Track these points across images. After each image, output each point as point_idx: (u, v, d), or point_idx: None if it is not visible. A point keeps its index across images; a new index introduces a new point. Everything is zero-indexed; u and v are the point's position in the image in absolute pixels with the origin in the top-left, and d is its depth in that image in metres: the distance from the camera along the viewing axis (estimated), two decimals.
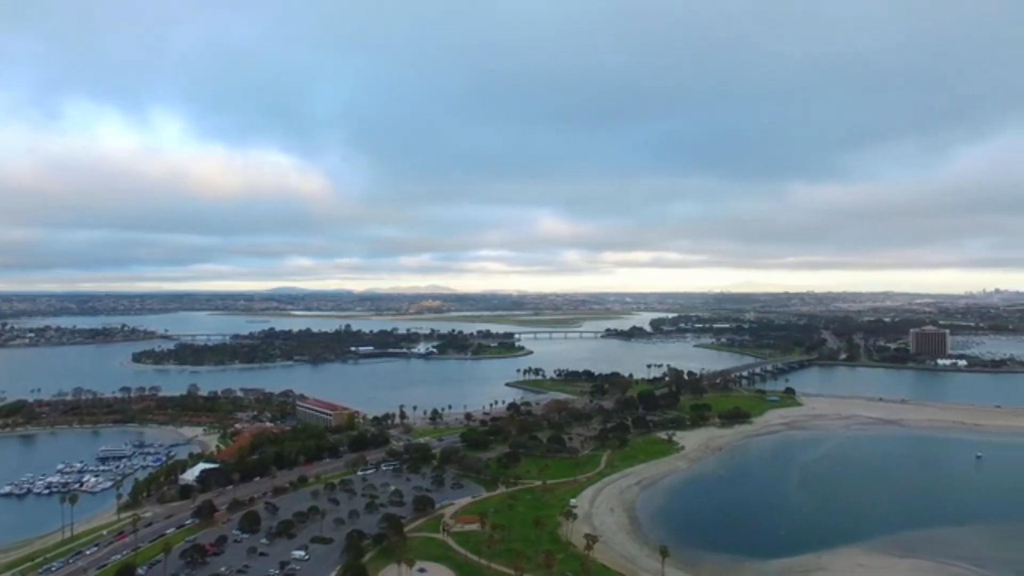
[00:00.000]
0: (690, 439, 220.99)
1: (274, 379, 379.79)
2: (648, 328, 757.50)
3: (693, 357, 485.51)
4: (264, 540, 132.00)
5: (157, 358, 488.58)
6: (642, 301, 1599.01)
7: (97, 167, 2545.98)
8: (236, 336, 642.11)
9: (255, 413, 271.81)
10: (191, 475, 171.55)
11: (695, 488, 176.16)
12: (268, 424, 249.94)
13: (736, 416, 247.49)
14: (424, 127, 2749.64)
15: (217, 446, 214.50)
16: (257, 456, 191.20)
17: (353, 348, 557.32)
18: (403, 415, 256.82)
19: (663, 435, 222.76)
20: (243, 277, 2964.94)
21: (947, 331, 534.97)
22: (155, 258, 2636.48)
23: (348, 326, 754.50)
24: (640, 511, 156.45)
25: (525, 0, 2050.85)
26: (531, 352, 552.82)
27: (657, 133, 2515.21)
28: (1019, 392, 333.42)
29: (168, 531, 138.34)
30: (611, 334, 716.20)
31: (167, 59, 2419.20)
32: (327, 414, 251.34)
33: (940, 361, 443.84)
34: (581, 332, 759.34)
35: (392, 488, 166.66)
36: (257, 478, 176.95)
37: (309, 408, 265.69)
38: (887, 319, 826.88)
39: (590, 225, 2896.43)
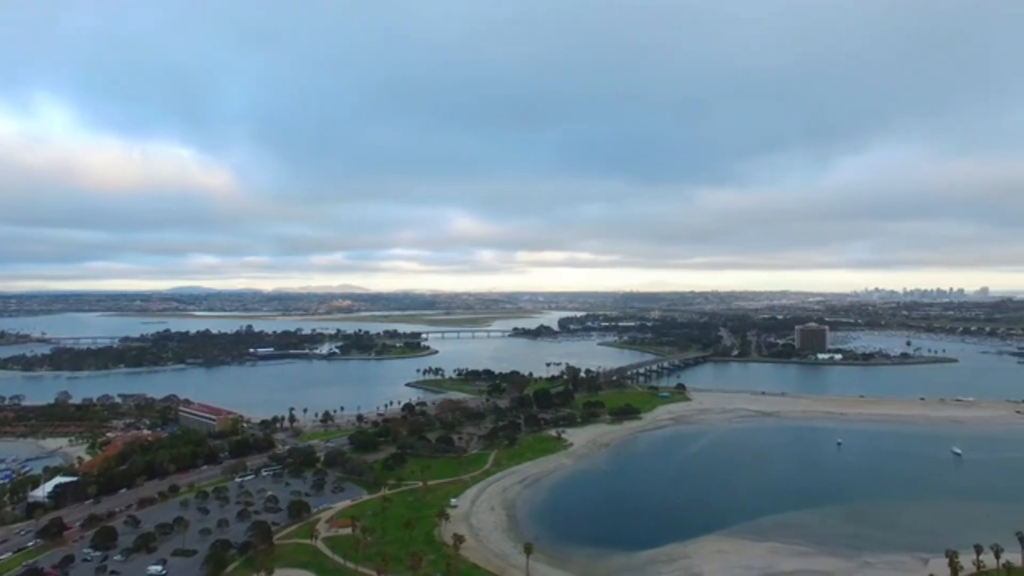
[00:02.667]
0: (579, 436, 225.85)
1: (162, 384, 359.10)
2: (556, 327, 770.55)
3: (596, 355, 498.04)
4: (118, 557, 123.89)
5: (27, 364, 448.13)
6: (554, 300, 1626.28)
7: None
8: (126, 339, 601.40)
9: (132, 421, 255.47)
10: (43, 491, 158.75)
11: (577, 484, 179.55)
12: (145, 432, 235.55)
13: (626, 412, 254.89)
14: (335, 124, 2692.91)
15: (79, 458, 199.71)
16: (125, 466, 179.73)
17: (252, 350, 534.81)
18: (292, 418, 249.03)
19: (553, 432, 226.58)
20: (141, 276, 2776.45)
21: (827, 328, 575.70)
22: (39, 255, 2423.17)
23: (250, 327, 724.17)
24: (520, 509, 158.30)
25: None
26: (436, 352, 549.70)
27: (567, 136, 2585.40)
28: (881, 382, 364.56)
29: (2, 556, 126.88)
30: (519, 333, 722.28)
31: (54, 43, 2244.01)
32: (210, 419, 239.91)
33: (820, 355, 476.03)
34: (489, 331, 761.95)
35: (268, 494, 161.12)
36: (123, 490, 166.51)
37: (192, 413, 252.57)
38: (780, 317, 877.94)
39: (504, 225, 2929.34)
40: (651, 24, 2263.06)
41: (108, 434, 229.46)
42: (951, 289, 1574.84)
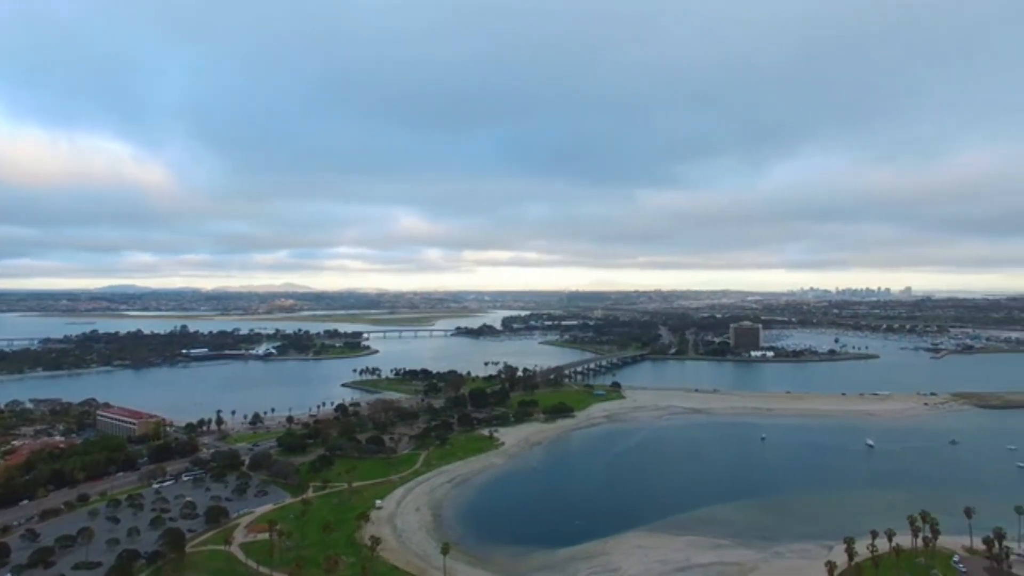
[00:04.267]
0: (512, 435, 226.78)
1: (83, 387, 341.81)
2: (499, 326, 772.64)
3: (537, 354, 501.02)
4: (9, 575, 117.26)
5: None
6: (500, 300, 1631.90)
7: None
8: (46, 340, 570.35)
9: (44, 427, 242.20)
10: None
11: (506, 483, 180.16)
12: (58, 439, 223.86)
13: (560, 411, 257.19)
14: (276, 120, 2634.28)
15: None
16: (29, 476, 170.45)
17: (185, 351, 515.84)
18: (219, 421, 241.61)
19: (486, 432, 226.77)
20: (70, 274, 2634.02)
21: (760, 326, 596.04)
22: None
23: (184, 327, 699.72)
24: (446, 509, 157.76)
25: None
26: (377, 352, 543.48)
27: (510, 135, 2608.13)
28: (809, 378, 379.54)
29: None
30: (461, 332, 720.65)
31: None
32: (131, 423, 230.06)
33: (753, 353, 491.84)
34: (432, 331, 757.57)
35: (186, 500, 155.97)
36: (24, 501, 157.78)
37: (111, 418, 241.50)
38: (719, 315, 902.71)
39: (450, 224, 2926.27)
40: (589, 28, 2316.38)
41: (14, 442, 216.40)
42: (879, 289, 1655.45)
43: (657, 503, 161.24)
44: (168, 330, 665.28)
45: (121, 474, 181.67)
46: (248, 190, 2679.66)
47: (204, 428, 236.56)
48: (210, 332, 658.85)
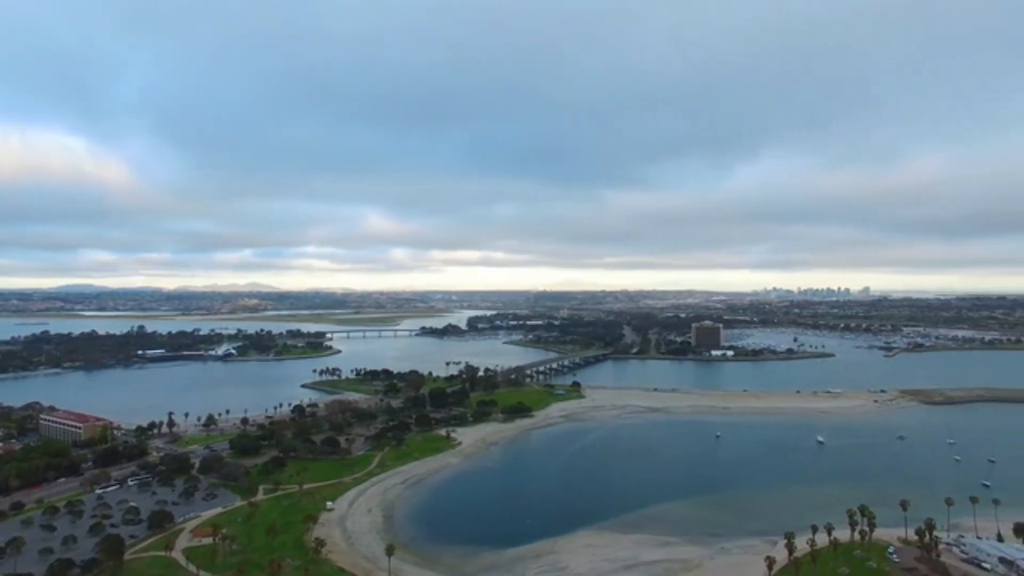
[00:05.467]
0: (469, 435, 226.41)
1: (29, 390, 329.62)
2: (464, 326, 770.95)
3: (500, 353, 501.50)
4: None
5: None
6: (467, 299, 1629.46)
7: None
8: None
9: None
10: None
11: (461, 483, 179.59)
12: None
13: (519, 411, 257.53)
14: (239, 117, 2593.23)
15: None
16: None
17: (141, 351, 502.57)
18: (171, 423, 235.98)
19: (443, 432, 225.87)
20: (24, 272, 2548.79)
21: (721, 326, 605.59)
22: None
23: (142, 327, 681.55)
24: (398, 510, 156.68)
25: None
26: (339, 352, 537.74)
27: (478, 136, 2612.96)
28: (766, 377, 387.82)
29: None
30: (426, 332, 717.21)
31: None
32: (76, 427, 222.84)
33: (714, 352, 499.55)
34: (396, 331, 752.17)
35: (130, 505, 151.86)
36: None
37: (55, 421, 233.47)
38: (683, 315, 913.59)
39: (417, 224, 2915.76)
40: (557, 31, 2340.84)
41: None
42: (839, 289, 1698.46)
43: (609, 502, 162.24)
44: (125, 330, 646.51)
45: (62, 480, 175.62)
46: (213, 188, 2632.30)
47: (155, 431, 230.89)
48: (169, 332, 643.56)
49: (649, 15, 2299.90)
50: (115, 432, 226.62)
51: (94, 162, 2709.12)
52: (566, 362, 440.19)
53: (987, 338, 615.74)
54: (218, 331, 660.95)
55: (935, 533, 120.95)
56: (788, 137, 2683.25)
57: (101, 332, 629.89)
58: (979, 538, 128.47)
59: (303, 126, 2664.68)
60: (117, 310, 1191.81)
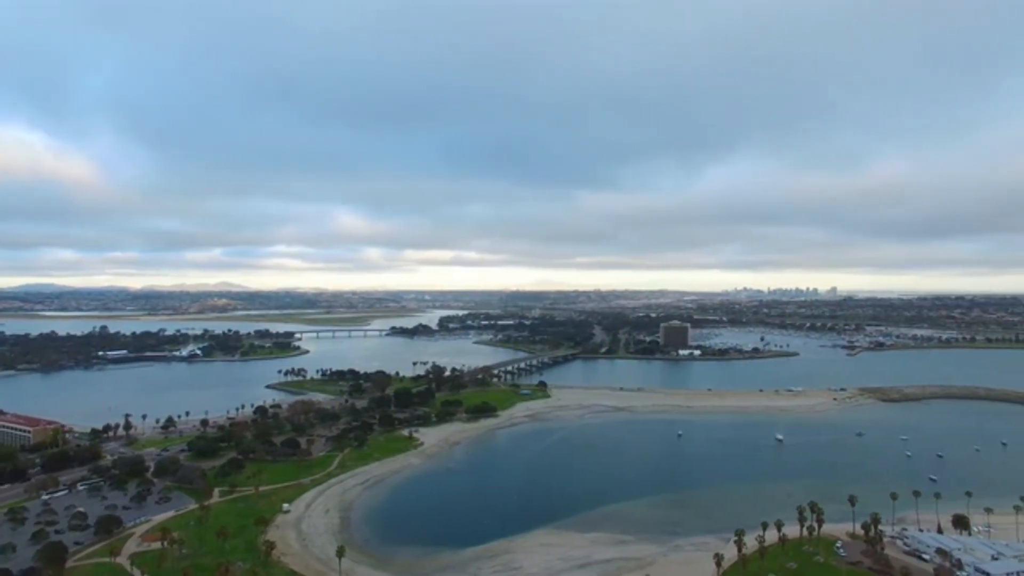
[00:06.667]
0: (433, 435, 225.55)
1: None
2: (435, 326, 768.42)
3: (470, 353, 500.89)
4: None
5: None
6: (440, 299, 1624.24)
7: None
8: None
9: None
10: None
11: (421, 484, 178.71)
12: None
13: (483, 410, 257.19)
14: (210, 117, 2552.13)
15: None
16: None
17: (102, 353, 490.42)
18: (128, 425, 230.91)
19: (406, 432, 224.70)
20: None
21: (689, 325, 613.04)
22: None
23: (104, 327, 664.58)
24: (356, 511, 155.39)
25: None
26: (307, 352, 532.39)
27: (450, 135, 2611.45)
28: (732, 376, 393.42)
29: None
30: (396, 332, 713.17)
31: None
32: (25, 431, 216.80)
33: (682, 351, 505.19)
34: (366, 331, 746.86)
35: (77, 510, 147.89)
36: None
37: (2, 425, 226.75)
38: (653, 315, 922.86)
39: (390, 223, 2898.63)
40: (529, 32, 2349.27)
41: None
42: (807, 289, 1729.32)
43: (568, 501, 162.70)
44: (86, 331, 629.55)
45: (7, 486, 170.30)
46: (181, 186, 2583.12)
47: (110, 434, 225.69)
48: (133, 333, 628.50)
49: (619, 21, 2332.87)
50: (68, 435, 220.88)
51: (58, 159, 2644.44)
52: (535, 362, 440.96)
53: (944, 337, 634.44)
54: (184, 331, 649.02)
55: (880, 527, 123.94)
56: (756, 139, 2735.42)
57: (61, 333, 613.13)
58: (920, 530, 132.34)
59: (274, 124, 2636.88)
60: (80, 310, 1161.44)
